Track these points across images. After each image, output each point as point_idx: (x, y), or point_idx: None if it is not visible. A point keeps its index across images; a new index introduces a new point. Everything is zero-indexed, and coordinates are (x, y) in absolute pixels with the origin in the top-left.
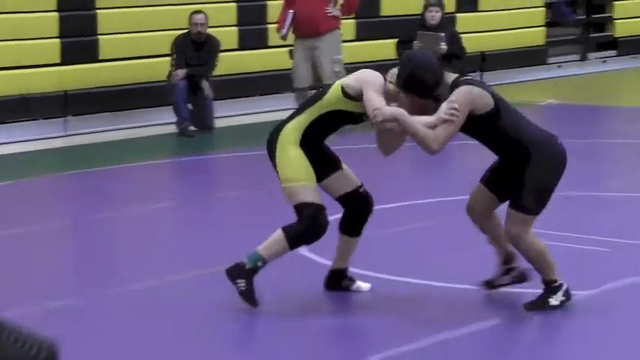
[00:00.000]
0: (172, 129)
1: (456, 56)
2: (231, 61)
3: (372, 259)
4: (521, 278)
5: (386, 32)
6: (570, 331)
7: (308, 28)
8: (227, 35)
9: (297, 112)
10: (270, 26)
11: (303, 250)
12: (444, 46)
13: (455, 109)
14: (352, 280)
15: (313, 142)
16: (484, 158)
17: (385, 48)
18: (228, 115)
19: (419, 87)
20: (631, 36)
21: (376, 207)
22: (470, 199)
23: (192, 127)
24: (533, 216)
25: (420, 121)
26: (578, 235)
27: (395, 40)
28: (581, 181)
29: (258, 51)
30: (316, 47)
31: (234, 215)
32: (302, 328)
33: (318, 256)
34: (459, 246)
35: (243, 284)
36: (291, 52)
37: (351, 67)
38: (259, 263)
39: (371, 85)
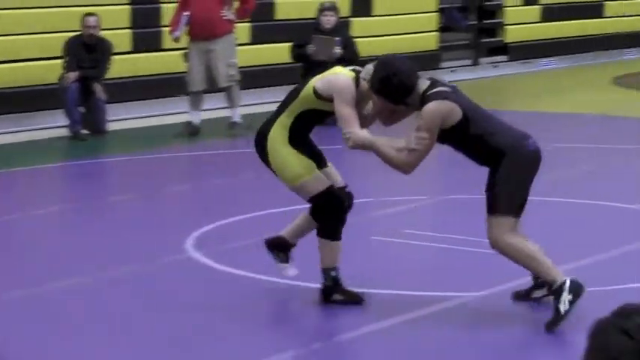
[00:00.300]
0: (65, 132)
1: (349, 60)
2: (125, 64)
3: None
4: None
5: (281, 36)
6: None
7: (203, 30)
8: (120, 38)
9: (278, 112)
10: (164, 29)
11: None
12: (338, 50)
13: (423, 138)
14: (287, 259)
15: (300, 139)
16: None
17: (280, 52)
18: (122, 118)
19: (390, 92)
20: (521, 41)
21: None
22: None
23: (84, 131)
24: (509, 217)
25: (391, 146)
26: (476, 238)
27: (290, 44)
28: (477, 184)
29: (152, 54)
30: (211, 50)
31: (127, 218)
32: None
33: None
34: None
35: (340, 297)
36: (185, 55)
37: (246, 71)
38: (333, 273)
39: (342, 96)
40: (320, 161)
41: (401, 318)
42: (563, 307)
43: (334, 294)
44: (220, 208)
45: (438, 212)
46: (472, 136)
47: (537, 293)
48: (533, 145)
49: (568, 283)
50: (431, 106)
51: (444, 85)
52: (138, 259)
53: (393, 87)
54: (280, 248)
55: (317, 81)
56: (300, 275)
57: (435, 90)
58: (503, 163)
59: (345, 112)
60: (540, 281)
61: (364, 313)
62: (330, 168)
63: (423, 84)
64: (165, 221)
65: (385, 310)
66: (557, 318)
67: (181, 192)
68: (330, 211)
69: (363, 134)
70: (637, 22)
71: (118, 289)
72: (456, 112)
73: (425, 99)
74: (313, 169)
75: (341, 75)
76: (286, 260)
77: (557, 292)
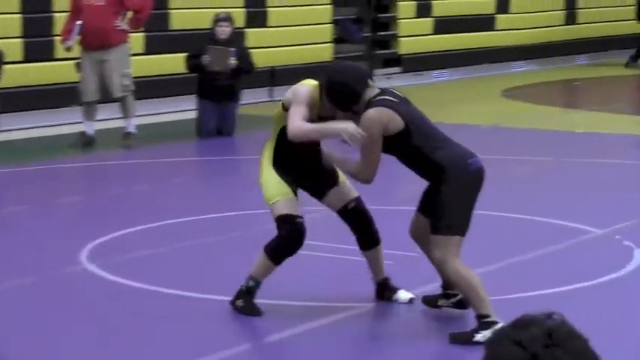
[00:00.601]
0: None
1: (245, 71)
2: (17, 74)
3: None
4: (460, 306)
5: (175, 46)
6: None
7: (96, 40)
8: (11, 47)
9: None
10: (56, 38)
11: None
12: (233, 61)
13: (368, 150)
14: (393, 290)
15: (284, 160)
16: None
17: (175, 62)
18: (14, 128)
19: (337, 99)
20: (414, 53)
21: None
22: (410, 227)
23: None
24: (454, 237)
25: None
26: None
27: (184, 55)
28: (367, 195)
29: (44, 63)
30: (105, 60)
31: (20, 230)
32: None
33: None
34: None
35: (241, 302)
36: (78, 65)
37: (140, 82)
38: (251, 282)
39: (297, 98)
40: (329, 181)
41: (301, 328)
42: (480, 337)
43: (240, 299)
44: (115, 220)
45: (339, 223)
46: (413, 148)
47: (443, 302)
48: (475, 164)
49: (500, 325)
50: (369, 113)
51: (392, 94)
52: (32, 271)
53: (338, 93)
54: (383, 291)
55: (285, 95)
56: (199, 287)
57: (379, 98)
58: (444, 179)
59: (292, 109)
60: (448, 292)
61: (264, 323)
62: (340, 185)
63: (372, 92)
64: (59, 233)
65: (285, 320)
66: (467, 340)
67: (76, 203)
68: (283, 237)
69: (309, 125)
70: (525, 35)
71: (13, 300)
72: (396, 122)
73: (369, 106)
74: (280, 194)
75: (305, 84)
76: (394, 291)
77: (485, 325)
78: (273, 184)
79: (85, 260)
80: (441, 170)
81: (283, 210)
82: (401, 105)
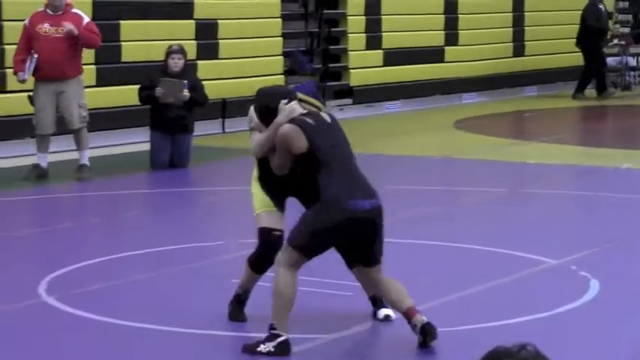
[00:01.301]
0: None
1: (199, 103)
2: None
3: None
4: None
5: (127, 78)
6: None
7: (54, 72)
8: None
9: None
10: (8, 70)
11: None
12: (186, 93)
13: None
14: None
15: (267, 176)
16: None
17: (127, 94)
18: None
19: (260, 116)
20: (365, 85)
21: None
22: None
23: None
24: (294, 251)
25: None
26: (322, 279)
27: (137, 87)
28: None
29: None
30: (63, 92)
31: None
32: None
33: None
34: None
35: (230, 308)
36: (31, 98)
37: (93, 114)
38: (239, 290)
39: (254, 122)
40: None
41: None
42: (263, 349)
43: (230, 306)
44: (71, 253)
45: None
46: (310, 171)
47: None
48: (355, 205)
49: (283, 339)
50: (282, 127)
51: (316, 117)
52: None
53: (259, 111)
54: (376, 304)
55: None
56: (158, 319)
57: (298, 117)
58: (317, 204)
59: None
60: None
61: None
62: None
63: (297, 112)
64: (15, 266)
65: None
66: (252, 349)
67: (30, 236)
68: (259, 248)
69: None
70: (475, 67)
71: None
72: (300, 141)
73: (291, 121)
74: (262, 207)
75: None
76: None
77: (270, 337)
78: (258, 196)
79: (44, 293)
80: (320, 197)
81: (263, 222)
82: (316, 128)
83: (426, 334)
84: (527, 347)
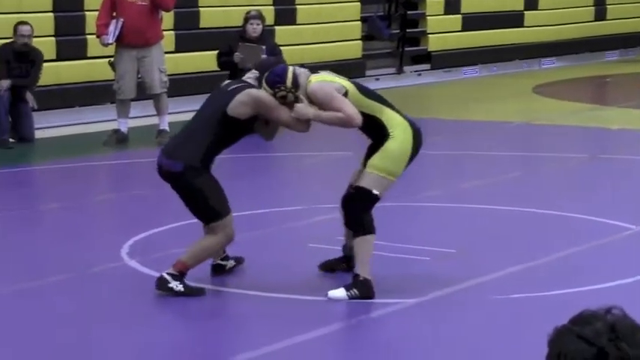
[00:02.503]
0: None
1: None
2: (50, 72)
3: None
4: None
5: (206, 44)
6: (402, 337)
7: (137, 38)
8: (44, 45)
9: None
10: (89, 37)
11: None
12: (265, 58)
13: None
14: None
15: None
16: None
17: (205, 59)
18: (47, 126)
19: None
20: (443, 50)
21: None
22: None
23: (11, 139)
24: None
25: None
26: (400, 244)
27: (215, 52)
28: (399, 191)
29: (77, 62)
30: (145, 57)
31: (58, 227)
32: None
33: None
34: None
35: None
36: (111, 63)
37: (172, 79)
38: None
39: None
40: None
41: (342, 324)
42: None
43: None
44: (152, 216)
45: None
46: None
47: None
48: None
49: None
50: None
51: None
52: (73, 268)
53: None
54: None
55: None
56: (236, 282)
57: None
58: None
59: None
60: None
61: (307, 319)
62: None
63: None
64: (97, 230)
65: (327, 315)
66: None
67: (112, 200)
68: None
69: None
70: (554, 31)
71: (57, 297)
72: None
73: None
74: None
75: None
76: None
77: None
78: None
79: (126, 256)
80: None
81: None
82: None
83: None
84: (613, 310)
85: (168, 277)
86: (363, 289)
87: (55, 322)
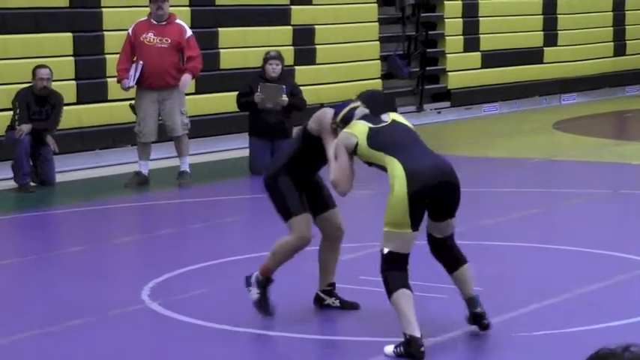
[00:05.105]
0: (11, 184)
1: (297, 108)
2: (70, 115)
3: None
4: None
5: (226, 85)
6: None
7: (158, 81)
8: (65, 89)
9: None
10: (109, 80)
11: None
12: (285, 98)
13: None
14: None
15: None
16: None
17: (226, 101)
18: (68, 169)
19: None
20: (463, 87)
21: None
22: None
23: (32, 183)
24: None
25: None
26: (420, 282)
27: (235, 93)
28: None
29: (98, 105)
30: (165, 100)
31: (79, 270)
32: None
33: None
34: None
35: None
36: (132, 106)
37: (193, 121)
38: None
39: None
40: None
41: None
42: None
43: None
44: (173, 258)
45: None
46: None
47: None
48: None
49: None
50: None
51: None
52: (94, 311)
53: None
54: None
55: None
56: (261, 323)
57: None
58: None
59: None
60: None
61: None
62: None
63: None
64: (119, 272)
65: (346, 356)
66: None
67: (133, 242)
68: None
69: None
70: (574, 67)
71: (77, 340)
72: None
73: None
74: None
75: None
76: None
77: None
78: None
79: (148, 298)
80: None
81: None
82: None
83: None
84: (630, 348)
85: (253, 280)
86: (407, 348)
87: None
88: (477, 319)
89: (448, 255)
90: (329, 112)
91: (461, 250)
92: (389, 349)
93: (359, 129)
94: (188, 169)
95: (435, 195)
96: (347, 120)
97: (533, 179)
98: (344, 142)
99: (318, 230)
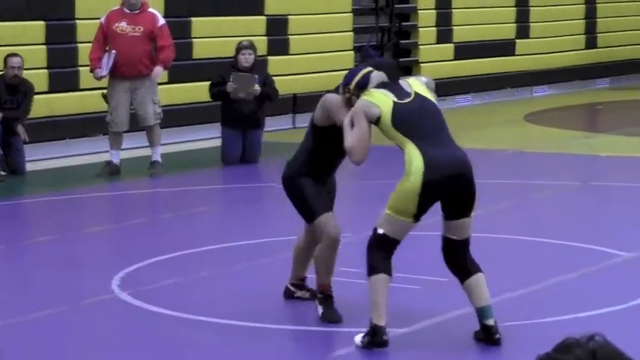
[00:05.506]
0: None
1: (269, 97)
2: (42, 104)
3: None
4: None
5: (199, 75)
6: None
7: (130, 70)
8: (37, 78)
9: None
10: (81, 68)
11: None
12: (257, 88)
13: None
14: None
15: None
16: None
17: (198, 90)
18: (39, 158)
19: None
20: (436, 79)
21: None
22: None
23: (2, 172)
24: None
25: None
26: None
27: (208, 83)
28: None
29: (69, 93)
30: (138, 89)
31: (49, 260)
32: None
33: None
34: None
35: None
36: (104, 95)
37: (165, 110)
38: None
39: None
40: None
41: (332, 354)
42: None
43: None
44: (144, 248)
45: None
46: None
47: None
48: None
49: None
50: None
51: None
52: (64, 301)
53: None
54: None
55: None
56: (228, 314)
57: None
58: None
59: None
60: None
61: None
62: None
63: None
64: (89, 261)
65: (318, 346)
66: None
67: (103, 232)
68: None
69: None
70: (546, 59)
71: (47, 330)
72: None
73: None
74: None
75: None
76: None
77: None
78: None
79: (117, 288)
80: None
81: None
82: None
83: None
84: (595, 338)
85: (317, 302)
86: (370, 337)
87: (46, 356)
88: (487, 332)
89: (462, 262)
90: (331, 94)
91: (474, 260)
92: (358, 338)
93: (382, 100)
94: (160, 159)
95: (449, 187)
96: (362, 86)
97: (505, 171)
98: (364, 110)
99: (308, 227)
